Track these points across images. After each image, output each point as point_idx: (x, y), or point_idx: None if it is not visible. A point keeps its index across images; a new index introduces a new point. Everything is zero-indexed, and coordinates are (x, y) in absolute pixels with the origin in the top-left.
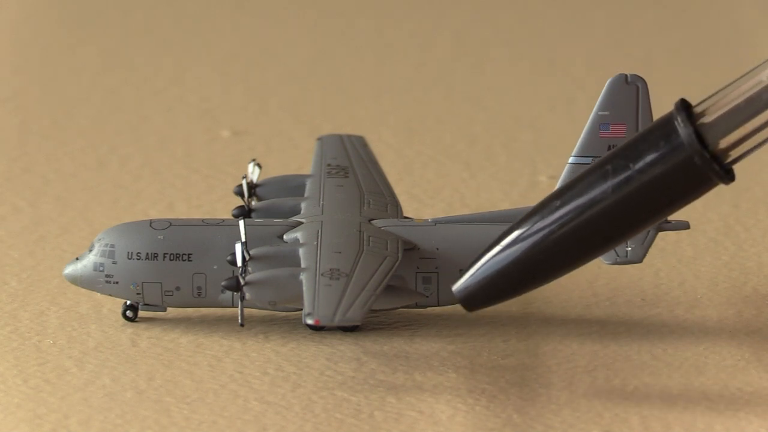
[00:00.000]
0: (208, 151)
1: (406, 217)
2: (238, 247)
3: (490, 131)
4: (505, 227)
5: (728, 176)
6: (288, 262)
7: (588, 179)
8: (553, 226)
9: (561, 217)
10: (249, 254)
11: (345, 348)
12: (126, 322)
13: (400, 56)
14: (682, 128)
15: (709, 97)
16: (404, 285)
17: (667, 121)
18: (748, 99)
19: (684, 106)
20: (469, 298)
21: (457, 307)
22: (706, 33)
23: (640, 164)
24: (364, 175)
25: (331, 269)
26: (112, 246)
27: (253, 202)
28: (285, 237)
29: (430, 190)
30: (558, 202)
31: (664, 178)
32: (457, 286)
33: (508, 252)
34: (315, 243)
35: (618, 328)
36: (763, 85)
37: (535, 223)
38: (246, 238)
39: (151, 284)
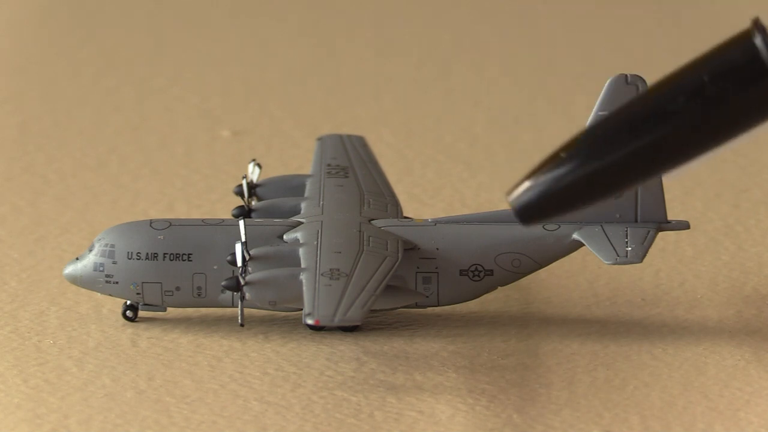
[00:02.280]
0: (208, 151)
1: (406, 217)
2: (238, 247)
3: (490, 131)
4: (504, 227)
5: None
6: (288, 262)
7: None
8: (622, 141)
9: (630, 133)
10: (249, 254)
11: (345, 348)
12: (126, 322)
13: (400, 56)
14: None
15: None
16: (404, 285)
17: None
18: None
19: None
20: (524, 209)
21: (457, 307)
22: (706, 33)
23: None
24: (364, 175)
25: (331, 269)
26: (112, 246)
27: (253, 202)
28: (285, 237)
29: (430, 190)
30: (624, 118)
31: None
32: (512, 197)
33: (570, 166)
34: (315, 243)
35: (618, 328)
36: None
37: (600, 137)
38: (246, 238)
39: (151, 284)
